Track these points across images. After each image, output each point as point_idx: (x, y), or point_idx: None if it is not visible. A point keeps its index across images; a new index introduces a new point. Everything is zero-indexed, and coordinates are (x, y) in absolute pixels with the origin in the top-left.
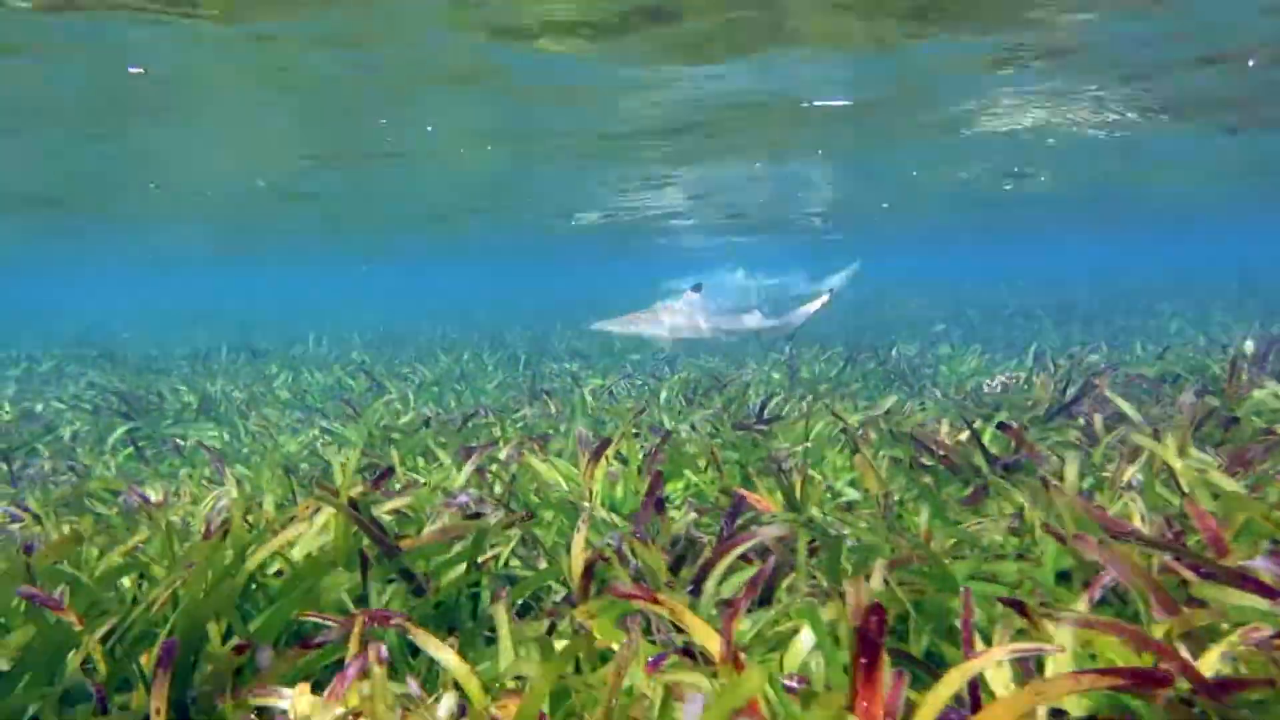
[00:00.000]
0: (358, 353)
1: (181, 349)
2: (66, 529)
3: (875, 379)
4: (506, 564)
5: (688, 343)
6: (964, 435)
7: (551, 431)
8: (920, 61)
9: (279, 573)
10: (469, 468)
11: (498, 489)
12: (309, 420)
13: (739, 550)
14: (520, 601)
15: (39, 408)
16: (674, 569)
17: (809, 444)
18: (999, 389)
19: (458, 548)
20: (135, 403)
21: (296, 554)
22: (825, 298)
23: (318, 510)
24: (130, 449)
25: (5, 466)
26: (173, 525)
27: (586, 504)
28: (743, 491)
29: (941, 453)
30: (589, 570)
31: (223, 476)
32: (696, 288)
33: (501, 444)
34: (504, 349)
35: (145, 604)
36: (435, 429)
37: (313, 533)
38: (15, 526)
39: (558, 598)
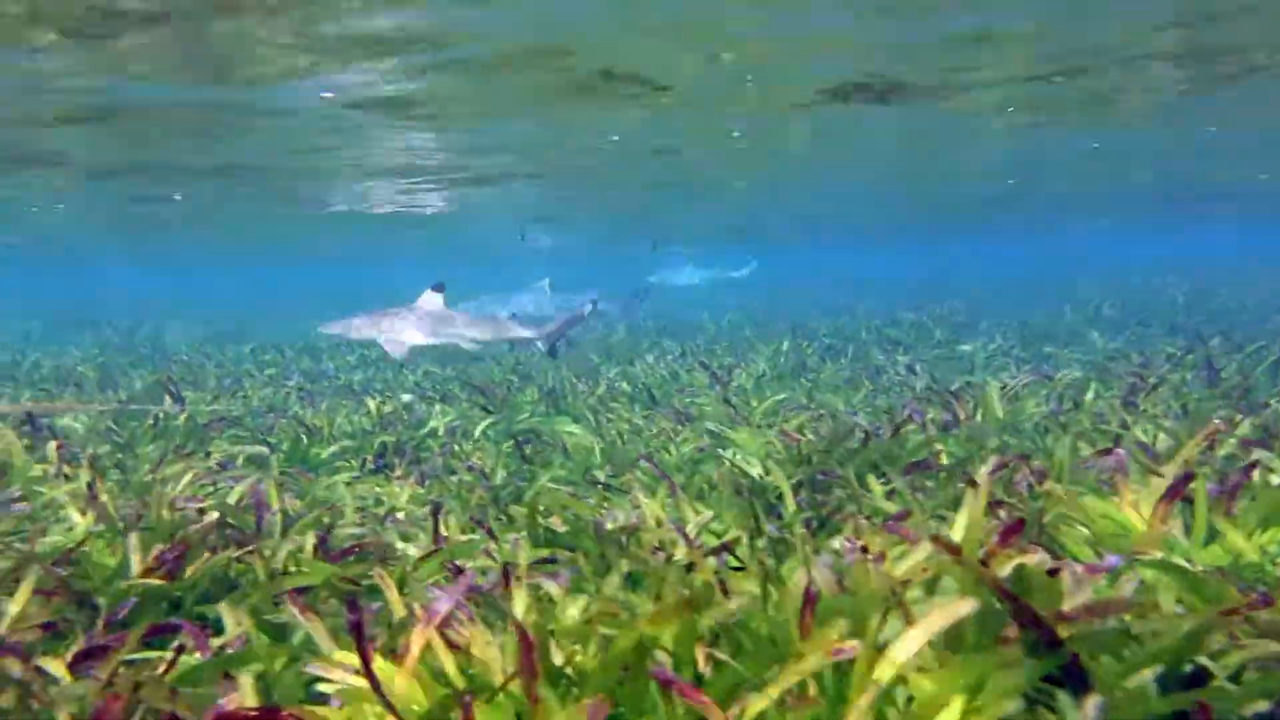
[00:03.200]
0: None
1: None
2: (671, 597)
3: None
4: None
5: (423, 352)
6: None
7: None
8: None
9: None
10: None
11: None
12: (649, 416)
13: None
14: None
15: (405, 398)
16: None
17: None
18: None
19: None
20: (489, 394)
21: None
22: (587, 308)
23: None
24: (509, 444)
25: (398, 461)
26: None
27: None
28: None
29: None
30: None
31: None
32: (438, 286)
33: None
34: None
35: None
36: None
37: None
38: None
39: None
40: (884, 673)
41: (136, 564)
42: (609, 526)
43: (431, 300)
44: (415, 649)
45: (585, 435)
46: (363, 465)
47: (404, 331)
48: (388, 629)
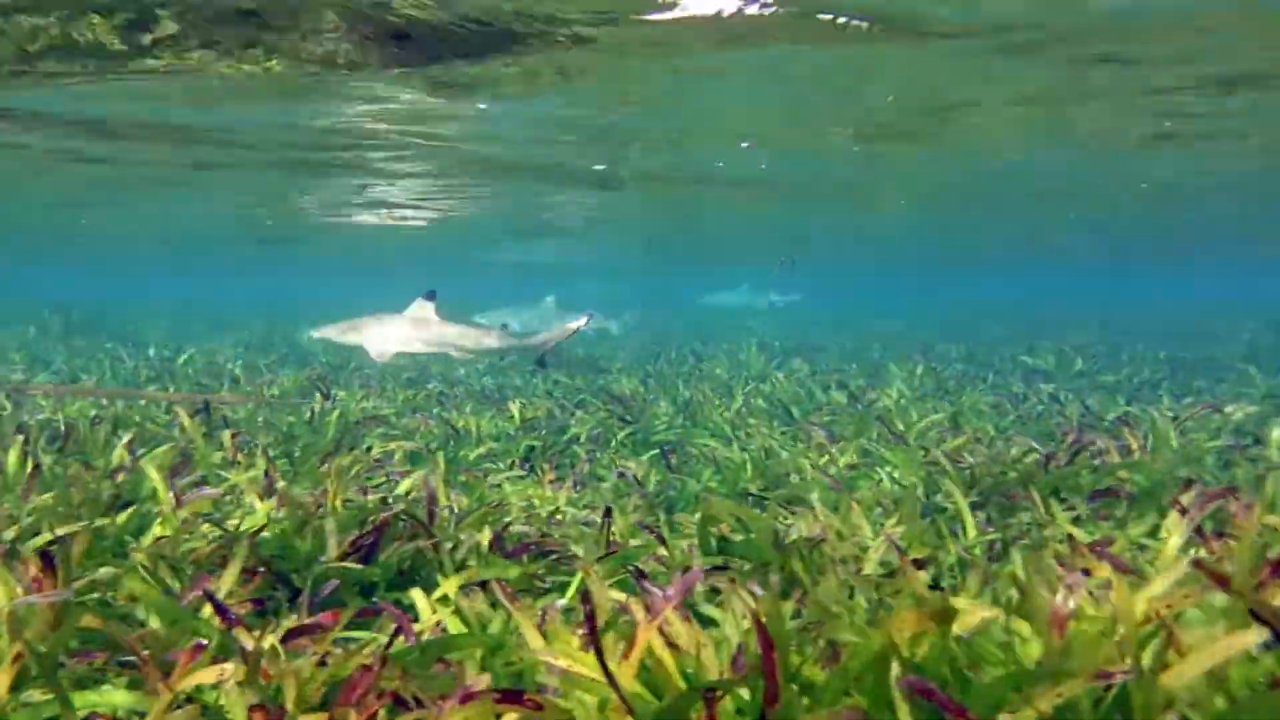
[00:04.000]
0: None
1: (604, 347)
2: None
3: None
4: None
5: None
6: None
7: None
8: None
9: None
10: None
11: None
12: (788, 433)
13: None
14: None
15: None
16: None
17: None
18: None
19: None
20: (627, 404)
21: None
22: (582, 321)
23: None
24: (649, 454)
25: (545, 465)
26: None
27: None
28: None
29: None
30: None
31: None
32: (430, 295)
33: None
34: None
35: None
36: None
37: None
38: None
39: None
40: (1154, 699)
41: (333, 547)
42: (793, 536)
43: (422, 308)
44: (640, 644)
45: (725, 448)
46: (511, 467)
47: (390, 338)
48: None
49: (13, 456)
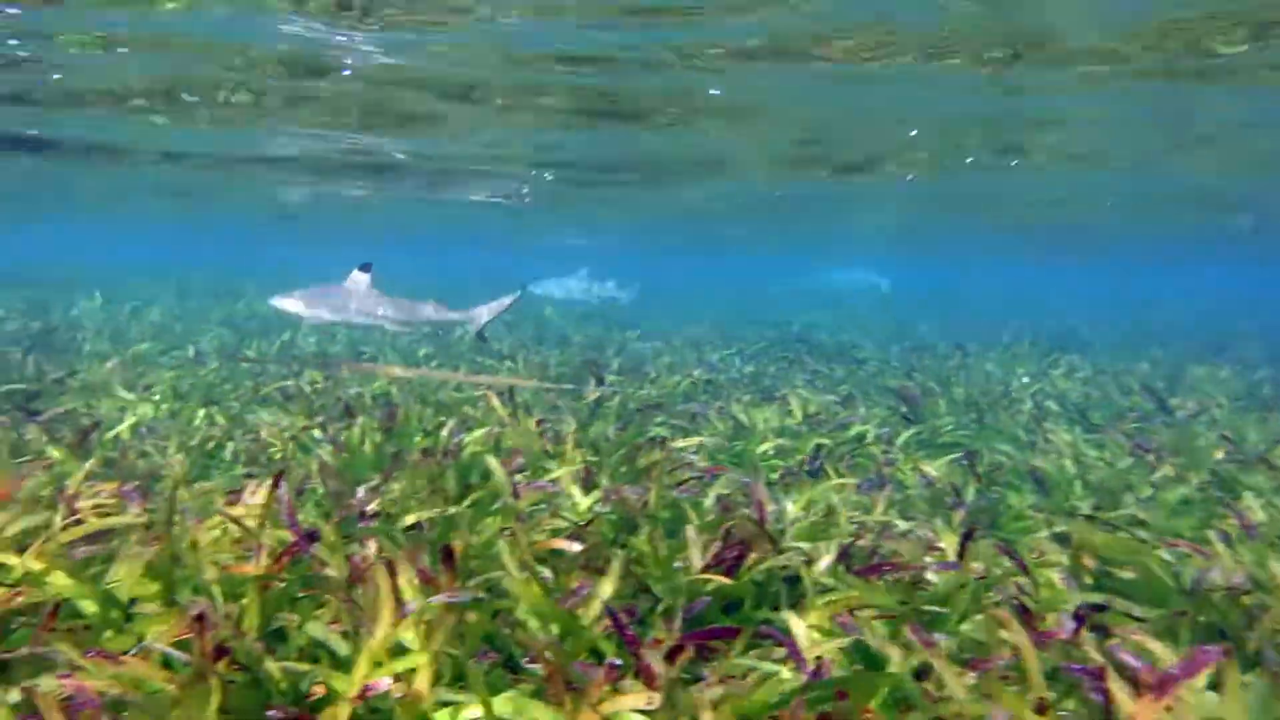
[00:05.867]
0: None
1: (867, 337)
2: None
3: None
4: None
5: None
6: None
7: None
8: None
9: None
10: None
11: None
12: (1111, 443)
13: None
14: None
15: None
16: None
17: None
18: None
19: None
20: (911, 401)
21: None
22: (516, 295)
23: None
24: (950, 458)
25: (833, 466)
26: None
27: None
28: None
29: None
30: None
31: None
32: (365, 267)
33: None
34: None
35: None
36: None
37: None
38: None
39: None
40: None
41: (696, 558)
42: (1214, 580)
43: (357, 280)
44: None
45: (1021, 453)
46: (800, 466)
47: (326, 308)
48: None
49: (355, 435)
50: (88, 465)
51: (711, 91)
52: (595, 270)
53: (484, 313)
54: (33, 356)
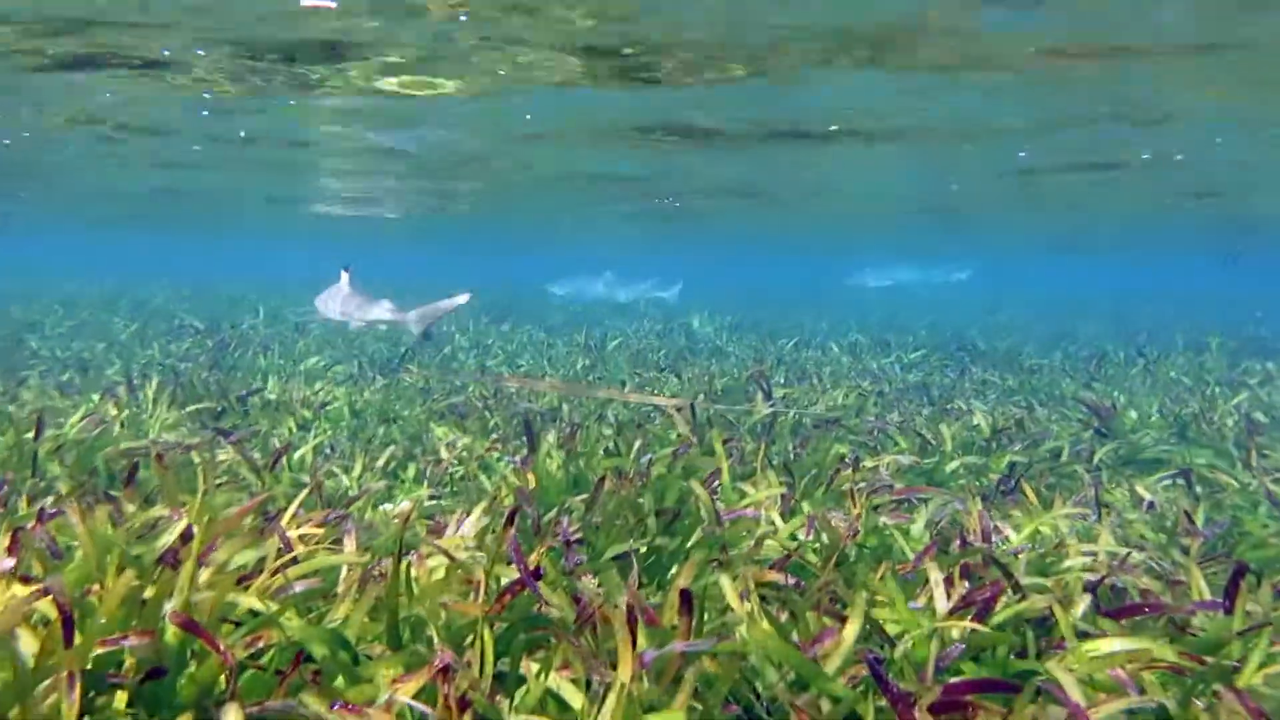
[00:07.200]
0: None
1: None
2: None
3: None
4: None
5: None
6: None
7: None
8: None
9: None
10: None
11: None
12: None
13: None
14: None
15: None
16: None
17: None
18: None
19: None
20: (1102, 414)
21: None
22: (465, 296)
23: None
24: (1162, 477)
25: (1028, 485)
26: None
27: None
28: None
29: None
30: None
31: None
32: (345, 268)
33: None
34: None
35: None
36: None
37: None
38: None
39: None
40: None
41: (940, 600)
42: None
43: (342, 281)
44: None
45: (1233, 470)
46: (997, 487)
47: (328, 308)
48: None
49: (542, 457)
50: (301, 496)
51: None
52: (622, 271)
53: (430, 313)
54: (214, 374)
